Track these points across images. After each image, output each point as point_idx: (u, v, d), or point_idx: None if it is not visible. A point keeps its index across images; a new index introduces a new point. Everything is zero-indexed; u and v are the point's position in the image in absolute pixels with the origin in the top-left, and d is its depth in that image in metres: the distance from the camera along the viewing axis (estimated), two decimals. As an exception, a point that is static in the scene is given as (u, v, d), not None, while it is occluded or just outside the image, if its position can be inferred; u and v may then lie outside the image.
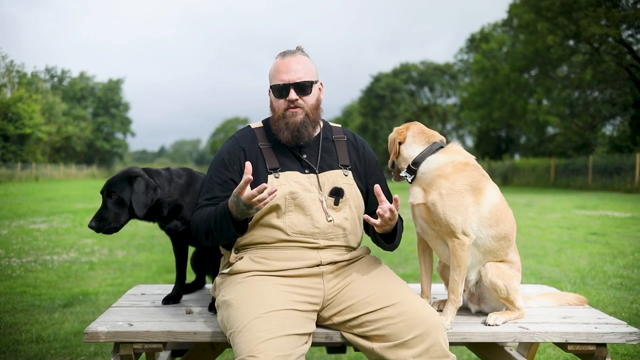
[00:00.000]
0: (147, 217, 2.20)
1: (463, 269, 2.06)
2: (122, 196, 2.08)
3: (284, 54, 2.08)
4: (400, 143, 2.18)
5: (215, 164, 2.09)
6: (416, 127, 2.21)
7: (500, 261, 2.15)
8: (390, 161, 2.24)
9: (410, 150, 2.16)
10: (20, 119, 38.22)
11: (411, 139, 2.18)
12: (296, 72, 2.01)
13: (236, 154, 2.07)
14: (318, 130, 2.16)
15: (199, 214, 2.01)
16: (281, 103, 2.03)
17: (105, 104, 59.41)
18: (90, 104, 58.40)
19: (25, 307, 4.32)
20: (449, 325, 2.01)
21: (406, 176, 2.16)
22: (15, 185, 29.45)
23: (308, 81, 2.03)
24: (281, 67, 2.03)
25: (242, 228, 1.90)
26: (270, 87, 2.06)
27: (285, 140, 2.04)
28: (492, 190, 2.12)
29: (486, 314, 2.15)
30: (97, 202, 16.58)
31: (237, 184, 2.02)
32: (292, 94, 2.01)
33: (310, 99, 2.05)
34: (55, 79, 57.48)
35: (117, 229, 2.11)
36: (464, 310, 2.24)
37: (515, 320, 2.10)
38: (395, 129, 2.23)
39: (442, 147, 2.16)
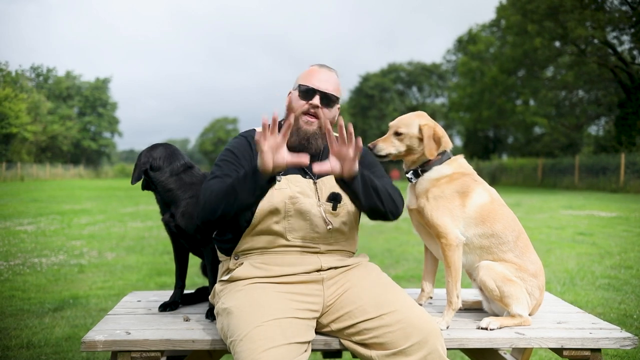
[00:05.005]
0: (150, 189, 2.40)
1: (453, 271, 2.11)
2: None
3: (321, 65, 2.13)
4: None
5: (224, 156, 2.07)
6: (439, 128, 2.21)
7: (499, 260, 2.16)
8: (415, 158, 2.19)
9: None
10: (6, 119, 37.68)
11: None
12: (327, 82, 2.05)
13: (247, 151, 2.07)
14: (324, 144, 2.14)
15: (211, 182, 1.96)
16: (302, 104, 2.04)
17: (92, 103, 58.82)
18: (76, 103, 57.77)
19: (14, 311, 4.26)
20: (444, 326, 2.04)
21: (411, 178, 2.23)
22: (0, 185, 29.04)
23: (335, 95, 2.07)
24: (315, 73, 2.07)
25: (272, 181, 1.83)
26: (298, 86, 2.07)
27: (290, 145, 2.03)
28: (480, 192, 2.18)
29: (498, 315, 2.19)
30: (85, 203, 16.37)
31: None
32: (316, 100, 2.03)
33: (329, 114, 2.07)
34: (41, 78, 56.76)
35: (149, 188, 2.38)
36: (465, 314, 2.29)
37: (514, 327, 2.09)
38: (428, 121, 2.18)
39: (449, 157, 2.23)
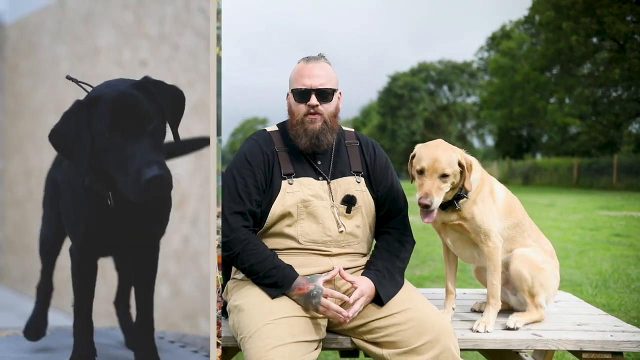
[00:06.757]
0: None
1: (500, 272, 2.11)
2: None
3: (307, 59, 2.07)
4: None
5: (239, 166, 2.03)
6: (464, 154, 2.05)
7: (526, 247, 2.17)
8: (454, 193, 2.04)
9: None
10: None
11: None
12: (319, 78, 2.00)
13: (259, 157, 2.03)
14: (335, 138, 2.11)
15: (250, 242, 1.93)
16: (301, 108, 2.01)
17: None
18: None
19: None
20: (491, 328, 2.01)
21: (458, 206, 2.07)
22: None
23: (330, 88, 2.02)
24: (304, 71, 2.02)
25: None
26: (292, 90, 2.05)
27: (304, 147, 2.02)
28: (497, 185, 2.22)
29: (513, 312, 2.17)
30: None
31: (262, 188, 2.00)
32: (313, 100, 1.99)
33: (330, 107, 2.04)
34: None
35: None
36: (479, 315, 2.24)
37: (534, 321, 2.08)
38: (461, 151, 2.02)
39: None
